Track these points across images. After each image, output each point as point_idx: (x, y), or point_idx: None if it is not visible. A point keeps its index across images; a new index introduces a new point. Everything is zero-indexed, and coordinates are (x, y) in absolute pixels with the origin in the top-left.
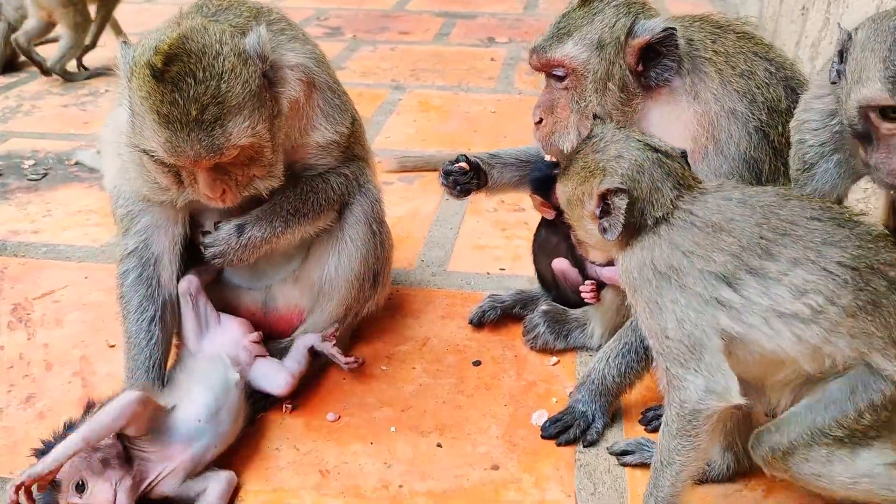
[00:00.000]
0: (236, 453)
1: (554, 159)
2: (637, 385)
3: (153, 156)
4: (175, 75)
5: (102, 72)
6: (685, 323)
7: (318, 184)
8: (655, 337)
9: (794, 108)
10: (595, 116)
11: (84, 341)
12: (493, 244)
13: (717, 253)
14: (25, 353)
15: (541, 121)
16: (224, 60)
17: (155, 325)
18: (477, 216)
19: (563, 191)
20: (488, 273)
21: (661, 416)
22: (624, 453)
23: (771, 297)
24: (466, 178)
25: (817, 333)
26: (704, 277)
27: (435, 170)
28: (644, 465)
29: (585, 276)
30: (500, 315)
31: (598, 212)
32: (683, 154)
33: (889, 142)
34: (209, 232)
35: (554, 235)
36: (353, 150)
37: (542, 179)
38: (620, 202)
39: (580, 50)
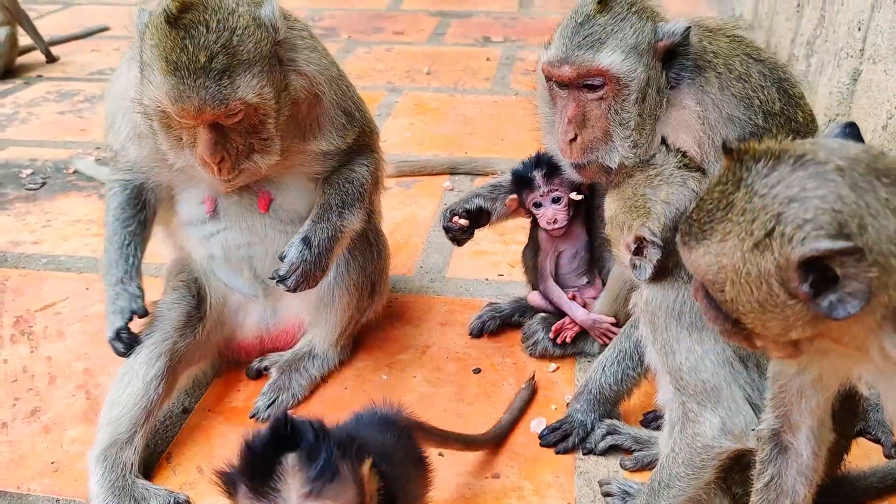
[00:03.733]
0: None
1: (589, 181)
2: (635, 392)
3: (157, 108)
4: (188, 22)
5: None
6: (700, 371)
7: (348, 174)
8: (671, 374)
9: (787, 110)
10: (663, 141)
11: (87, 353)
12: (491, 250)
13: None
14: (29, 367)
15: (575, 137)
16: (239, 17)
17: (133, 220)
18: None
19: (609, 207)
20: (487, 279)
21: (660, 417)
22: (608, 494)
23: (761, 397)
24: (466, 234)
25: None
26: (723, 345)
27: (432, 174)
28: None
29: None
30: (500, 324)
31: (632, 248)
32: None
33: None
34: (274, 277)
35: (532, 251)
36: (363, 147)
37: (521, 176)
38: (654, 255)
39: (623, 57)
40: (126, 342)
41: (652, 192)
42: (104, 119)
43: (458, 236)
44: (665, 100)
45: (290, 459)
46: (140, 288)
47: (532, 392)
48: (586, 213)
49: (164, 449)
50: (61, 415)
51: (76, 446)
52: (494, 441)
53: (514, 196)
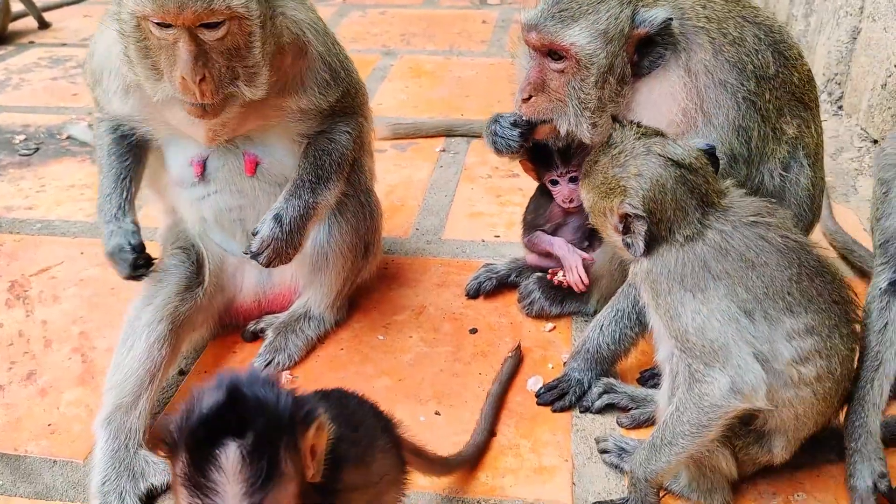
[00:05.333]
0: None
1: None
2: (633, 351)
3: (134, 22)
4: None
5: None
6: (707, 331)
7: (326, 145)
8: (677, 337)
9: (783, 73)
10: (615, 119)
11: (82, 317)
12: (487, 211)
13: (742, 289)
14: (25, 330)
15: (529, 97)
16: None
17: (129, 154)
18: (471, 183)
19: (585, 198)
20: (483, 240)
21: (657, 375)
22: (604, 451)
23: (773, 348)
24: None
25: (787, 397)
26: (728, 302)
27: (428, 136)
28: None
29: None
30: (496, 285)
31: (620, 227)
32: (710, 150)
33: None
34: (247, 252)
35: (537, 210)
36: (347, 110)
37: (539, 152)
38: (640, 227)
39: (589, 40)
40: (144, 264)
41: (621, 171)
42: (88, 78)
43: (527, 133)
44: (630, 87)
45: (232, 453)
46: (135, 223)
47: (518, 363)
48: None
49: (160, 411)
50: (57, 378)
51: (72, 409)
52: (471, 460)
53: (529, 164)
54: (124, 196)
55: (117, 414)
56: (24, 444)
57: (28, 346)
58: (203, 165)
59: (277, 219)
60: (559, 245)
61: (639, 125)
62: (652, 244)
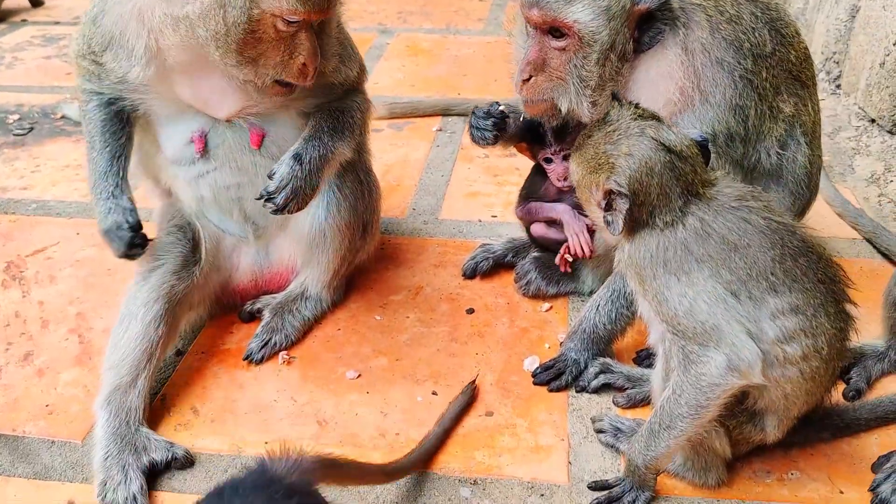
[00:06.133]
0: (235, 405)
1: (532, 117)
2: (628, 330)
3: (255, 20)
4: None
5: None
6: (696, 313)
7: (339, 106)
8: (667, 321)
9: (780, 51)
10: (614, 97)
11: (79, 298)
12: (484, 191)
13: (726, 271)
14: (21, 311)
15: (529, 78)
16: None
17: (122, 133)
18: (468, 163)
19: (574, 171)
20: (480, 220)
21: (653, 355)
22: (600, 431)
23: (758, 328)
24: (498, 128)
25: (774, 376)
26: (713, 283)
27: (425, 115)
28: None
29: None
30: (493, 265)
31: (603, 204)
32: (703, 142)
33: None
34: (262, 196)
35: (534, 186)
36: (355, 84)
37: (533, 129)
38: (622, 205)
39: (592, 17)
40: (140, 243)
41: (613, 148)
42: (96, 40)
43: (500, 123)
44: (629, 64)
45: None
46: (132, 201)
47: (469, 399)
48: None
49: (159, 390)
50: (55, 359)
51: (70, 389)
52: (421, 463)
53: (523, 144)
54: (121, 175)
55: (116, 394)
56: (23, 425)
57: (25, 326)
58: (204, 141)
59: (297, 157)
60: (563, 210)
61: (637, 106)
62: (633, 227)
